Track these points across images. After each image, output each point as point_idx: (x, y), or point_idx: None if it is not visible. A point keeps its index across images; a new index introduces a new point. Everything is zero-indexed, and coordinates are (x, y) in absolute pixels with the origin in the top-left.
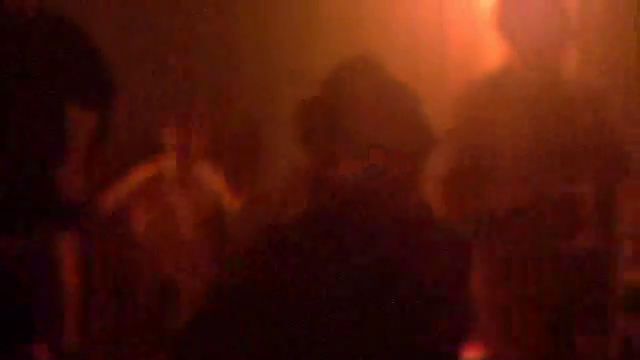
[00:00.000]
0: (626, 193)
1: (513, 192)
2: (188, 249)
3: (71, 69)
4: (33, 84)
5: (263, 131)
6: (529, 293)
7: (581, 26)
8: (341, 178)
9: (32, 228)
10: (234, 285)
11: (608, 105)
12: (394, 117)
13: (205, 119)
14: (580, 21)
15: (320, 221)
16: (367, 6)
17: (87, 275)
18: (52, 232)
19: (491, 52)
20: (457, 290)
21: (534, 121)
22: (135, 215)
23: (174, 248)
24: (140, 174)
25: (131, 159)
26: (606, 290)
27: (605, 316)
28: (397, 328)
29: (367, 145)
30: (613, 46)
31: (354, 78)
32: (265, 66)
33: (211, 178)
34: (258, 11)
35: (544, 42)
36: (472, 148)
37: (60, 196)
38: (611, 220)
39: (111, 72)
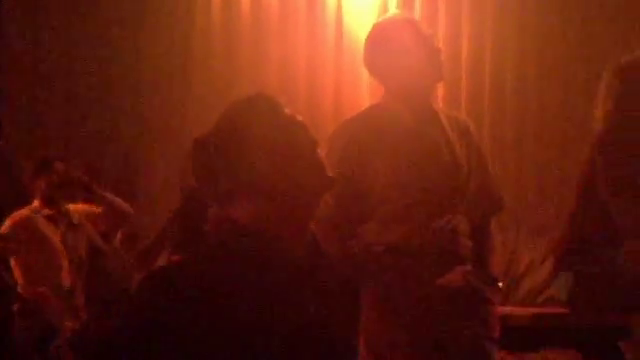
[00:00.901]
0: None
1: (389, 228)
2: (67, 292)
3: None
4: None
5: (140, 174)
6: (407, 331)
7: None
8: (235, 218)
9: None
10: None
11: (479, 142)
12: (291, 157)
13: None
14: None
15: (216, 260)
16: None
17: None
18: None
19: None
20: (347, 331)
21: (409, 156)
22: (14, 262)
23: (55, 291)
24: (15, 217)
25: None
26: (481, 325)
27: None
28: None
29: (263, 185)
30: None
31: (251, 115)
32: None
33: (83, 216)
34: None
35: (413, 79)
36: (349, 185)
37: None
38: (487, 257)
39: None
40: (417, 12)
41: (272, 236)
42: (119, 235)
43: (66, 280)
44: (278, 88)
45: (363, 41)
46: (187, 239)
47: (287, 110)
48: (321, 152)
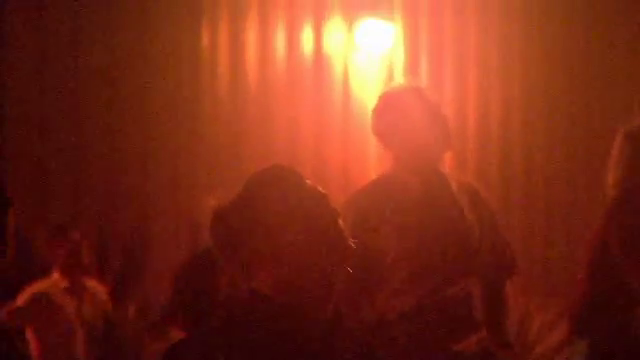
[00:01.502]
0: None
1: (401, 296)
2: None
3: None
4: None
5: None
6: None
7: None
8: (255, 288)
9: None
10: None
11: (489, 205)
12: (312, 229)
13: (91, 233)
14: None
15: (241, 328)
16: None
17: None
18: None
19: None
20: None
21: (420, 225)
22: (31, 334)
23: None
24: (33, 289)
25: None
26: None
27: None
28: None
29: (284, 256)
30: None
31: (273, 187)
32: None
33: (98, 288)
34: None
35: (422, 148)
36: (361, 256)
37: None
38: (501, 321)
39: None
40: (423, 78)
41: (293, 306)
42: (132, 306)
43: (81, 352)
44: (285, 152)
45: (369, 106)
46: (197, 304)
47: (309, 182)
48: (342, 224)
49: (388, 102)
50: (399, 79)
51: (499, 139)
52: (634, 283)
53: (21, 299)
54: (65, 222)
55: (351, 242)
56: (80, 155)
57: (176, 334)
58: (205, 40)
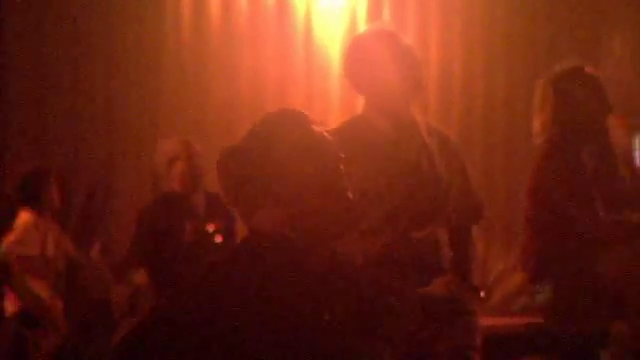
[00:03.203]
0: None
1: (368, 239)
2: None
3: None
4: None
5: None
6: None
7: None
8: (257, 227)
9: None
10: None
11: (459, 152)
12: (318, 172)
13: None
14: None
15: (239, 264)
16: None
17: None
18: None
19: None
20: (359, 339)
21: (389, 167)
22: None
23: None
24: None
25: None
26: (463, 334)
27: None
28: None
29: (290, 195)
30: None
31: (283, 128)
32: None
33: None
34: None
35: (393, 91)
36: None
37: None
38: (468, 266)
39: None
40: (385, 21)
41: (293, 247)
42: (96, 246)
43: (45, 291)
44: (248, 97)
45: (332, 53)
46: (160, 246)
47: (317, 126)
48: (344, 169)
49: (361, 44)
50: (362, 27)
51: (462, 83)
52: (581, 223)
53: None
54: (43, 165)
55: (350, 193)
56: (46, 101)
57: (139, 277)
58: None
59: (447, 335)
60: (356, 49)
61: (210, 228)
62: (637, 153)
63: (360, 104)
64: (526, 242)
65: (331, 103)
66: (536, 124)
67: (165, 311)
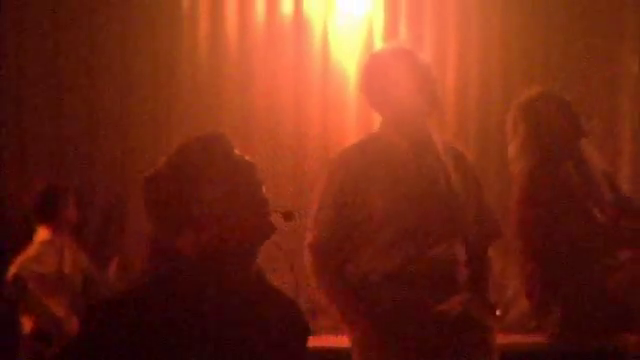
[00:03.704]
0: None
1: (385, 256)
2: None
3: None
4: None
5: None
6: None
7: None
8: (179, 249)
9: None
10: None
11: (475, 169)
12: (238, 195)
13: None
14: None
15: (162, 287)
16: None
17: None
18: None
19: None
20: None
21: (406, 185)
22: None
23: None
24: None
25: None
26: (480, 353)
27: None
28: None
29: (210, 219)
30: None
31: (204, 153)
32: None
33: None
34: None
35: (410, 109)
36: (348, 213)
37: None
38: (484, 284)
39: None
40: (402, 39)
41: (214, 269)
42: (112, 265)
43: (59, 310)
44: (264, 113)
45: (349, 70)
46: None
47: (237, 151)
48: (266, 193)
49: (378, 62)
50: (378, 43)
51: (479, 101)
52: (581, 234)
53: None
54: (59, 182)
55: (271, 216)
56: (60, 119)
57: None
58: (185, 4)
59: (464, 352)
60: (373, 66)
61: None
62: None
63: (376, 119)
64: (525, 273)
65: (347, 119)
66: (511, 149)
67: (87, 338)
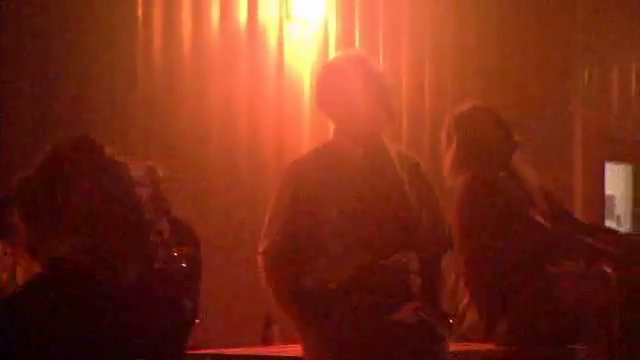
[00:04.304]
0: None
1: (340, 266)
2: None
3: None
4: None
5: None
6: None
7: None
8: (56, 254)
9: None
10: None
11: (429, 178)
12: (111, 196)
13: None
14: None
15: (36, 291)
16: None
17: None
18: None
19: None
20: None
21: (359, 194)
22: None
23: None
24: None
25: None
26: None
27: None
28: None
29: (84, 222)
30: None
31: (74, 156)
32: None
33: None
34: None
35: (364, 118)
36: (302, 222)
37: None
38: (437, 294)
39: None
40: (357, 47)
41: (91, 271)
42: None
43: None
44: (219, 123)
45: (303, 76)
46: None
47: (108, 151)
48: (140, 191)
49: (332, 70)
50: (333, 49)
51: (431, 109)
52: (530, 239)
53: None
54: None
55: (146, 214)
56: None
57: None
58: (139, 10)
59: None
60: (327, 75)
61: (175, 253)
62: None
63: (331, 125)
64: (472, 285)
65: (302, 129)
66: (446, 163)
67: None
